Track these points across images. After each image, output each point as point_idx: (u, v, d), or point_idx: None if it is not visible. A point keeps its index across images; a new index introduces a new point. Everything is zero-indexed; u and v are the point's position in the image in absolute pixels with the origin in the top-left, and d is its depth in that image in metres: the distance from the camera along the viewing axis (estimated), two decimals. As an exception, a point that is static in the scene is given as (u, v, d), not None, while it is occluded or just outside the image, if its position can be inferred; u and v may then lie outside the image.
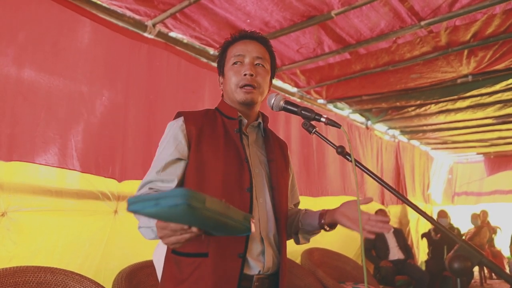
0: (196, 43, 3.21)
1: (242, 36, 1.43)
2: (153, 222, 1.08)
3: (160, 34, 2.92)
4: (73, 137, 2.28)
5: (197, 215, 0.86)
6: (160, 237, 0.99)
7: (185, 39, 3.14)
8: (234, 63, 1.37)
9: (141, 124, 2.66)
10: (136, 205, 0.86)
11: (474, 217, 7.53)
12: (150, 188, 1.25)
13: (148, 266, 2.37)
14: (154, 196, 0.84)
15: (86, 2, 2.49)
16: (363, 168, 1.17)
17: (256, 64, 1.38)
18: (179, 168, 1.29)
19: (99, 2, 2.57)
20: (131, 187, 2.52)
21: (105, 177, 2.43)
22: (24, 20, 2.13)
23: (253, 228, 1.02)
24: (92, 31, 2.45)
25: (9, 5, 2.08)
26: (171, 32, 3.03)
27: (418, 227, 7.07)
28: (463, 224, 7.61)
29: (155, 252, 1.59)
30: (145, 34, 2.84)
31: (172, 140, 1.30)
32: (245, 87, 1.34)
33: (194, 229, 0.93)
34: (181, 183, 1.31)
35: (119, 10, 2.68)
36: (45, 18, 2.23)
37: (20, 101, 2.08)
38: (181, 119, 1.35)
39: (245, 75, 1.34)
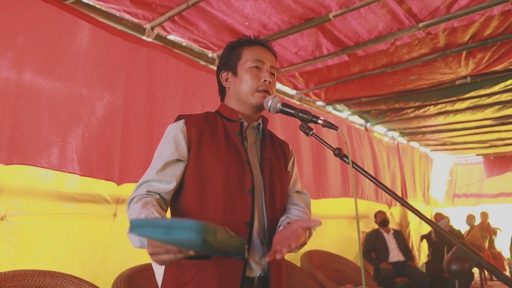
0: (195, 46, 3.22)
1: (260, 42, 1.46)
2: None
3: (158, 37, 2.93)
4: (73, 140, 2.28)
5: (205, 247, 0.89)
6: (150, 253, 0.98)
7: (184, 42, 3.15)
8: (254, 67, 1.39)
9: (140, 127, 2.66)
10: (142, 229, 0.88)
11: (470, 218, 7.55)
12: (148, 191, 1.25)
13: (147, 269, 2.37)
14: (165, 223, 0.86)
15: (84, 6, 2.50)
16: (360, 170, 1.17)
17: (271, 73, 1.41)
18: (178, 169, 1.29)
19: (97, 6, 2.58)
20: (130, 190, 2.49)
21: (104, 180, 2.43)
22: (23, 24, 2.13)
23: (246, 254, 1.09)
24: (91, 34, 2.45)
25: (8, 8, 2.08)
26: (170, 35, 3.03)
27: (420, 228, 7.07)
28: (463, 225, 7.61)
29: (154, 255, 1.58)
30: (144, 37, 2.84)
31: (172, 141, 1.30)
32: (263, 92, 1.37)
33: (191, 252, 0.96)
34: (180, 185, 1.31)
35: (117, 13, 2.69)
36: (44, 21, 2.23)
37: (20, 104, 2.08)
38: (182, 121, 1.35)
39: (265, 81, 1.37)
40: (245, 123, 1.40)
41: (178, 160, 1.29)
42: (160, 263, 0.99)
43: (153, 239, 0.91)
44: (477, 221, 7.91)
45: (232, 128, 1.37)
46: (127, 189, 2.50)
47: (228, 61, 1.45)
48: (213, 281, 1.19)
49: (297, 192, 1.50)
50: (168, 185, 1.27)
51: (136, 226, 0.88)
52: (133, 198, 1.25)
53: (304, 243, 1.17)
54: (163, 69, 2.87)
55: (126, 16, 2.73)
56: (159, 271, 1.36)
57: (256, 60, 1.39)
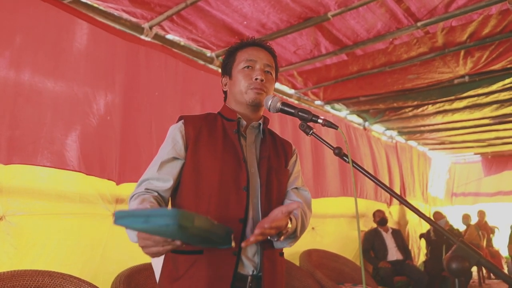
0: (193, 45, 3.22)
1: (252, 43, 1.48)
2: None
3: (157, 36, 2.92)
4: (71, 140, 2.28)
5: (185, 233, 0.92)
6: (141, 246, 1.02)
7: (182, 41, 3.15)
8: (246, 67, 1.41)
9: (139, 126, 2.66)
10: (124, 220, 0.90)
11: (465, 217, 7.59)
12: (146, 189, 1.29)
13: (146, 268, 2.37)
14: (145, 213, 0.89)
15: (83, 5, 2.50)
16: (360, 169, 1.17)
17: (266, 71, 1.42)
18: (175, 167, 1.33)
19: (95, 5, 2.57)
20: (130, 189, 2.49)
21: (103, 179, 2.42)
22: (22, 23, 2.13)
23: (233, 244, 1.12)
24: (90, 33, 2.45)
25: (7, 8, 2.08)
26: (168, 35, 3.03)
27: (420, 227, 7.09)
28: (461, 224, 7.63)
29: (154, 255, 1.59)
30: (142, 37, 2.84)
31: (170, 140, 1.35)
32: (255, 89, 1.38)
33: (177, 242, 0.99)
34: (177, 183, 1.34)
35: (115, 12, 2.68)
36: (43, 20, 2.22)
37: (19, 104, 2.08)
38: (181, 121, 1.40)
39: (256, 79, 1.38)
40: (243, 122, 1.42)
41: (175, 158, 1.33)
42: (151, 255, 1.02)
43: (135, 229, 0.94)
44: (474, 220, 7.94)
45: (231, 127, 1.39)
46: (126, 189, 2.50)
47: (226, 65, 1.50)
48: (204, 275, 1.21)
49: (296, 188, 1.51)
50: (165, 183, 1.31)
51: (118, 218, 0.90)
52: (132, 196, 1.29)
53: (283, 227, 1.18)
54: (162, 69, 2.87)
55: (125, 16, 2.73)
56: (157, 268, 1.39)
57: (247, 60, 1.41)
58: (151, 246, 0.99)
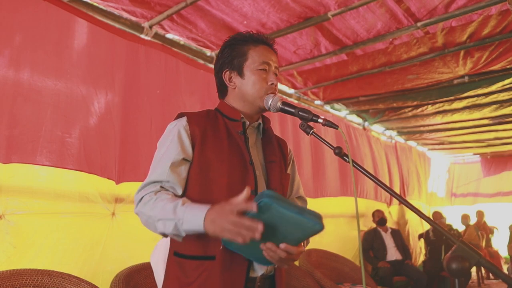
0: (193, 45, 3.22)
1: (265, 41, 1.44)
2: (179, 215, 1.08)
3: (157, 35, 2.92)
4: (70, 139, 2.28)
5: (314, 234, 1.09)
6: (229, 229, 1.00)
7: (182, 40, 3.14)
8: (262, 69, 1.37)
9: (139, 125, 2.65)
10: (281, 202, 1.02)
11: (464, 218, 7.59)
12: (162, 187, 1.23)
13: (145, 268, 2.37)
14: (297, 206, 1.05)
15: (82, 4, 2.49)
16: (360, 169, 1.17)
17: (275, 74, 1.40)
18: (184, 169, 1.27)
19: (95, 4, 2.57)
20: (129, 189, 2.52)
21: (102, 178, 2.42)
22: (21, 22, 2.12)
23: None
24: (89, 32, 2.44)
25: (6, 7, 2.07)
26: (168, 34, 3.02)
27: (421, 227, 7.08)
28: (460, 225, 7.64)
29: (153, 254, 1.58)
30: (142, 36, 2.84)
31: (177, 139, 1.27)
32: (270, 95, 1.36)
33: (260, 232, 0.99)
34: (184, 184, 1.29)
35: (115, 12, 2.68)
36: (43, 19, 2.22)
37: (18, 103, 2.08)
38: (184, 119, 1.32)
39: (272, 84, 1.36)
40: (247, 123, 1.39)
41: (185, 160, 1.27)
42: (232, 237, 1.00)
43: (284, 213, 1.02)
44: (473, 220, 7.95)
45: (234, 127, 1.35)
46: (126, 188, 2.50)
47: (233, 60, 1.39)
48: (217, 282, 1.18)
49: (300, 197, 1.52)
50: (177, 189, 1.25)
51: (273, 197, 1.01)
52: (145, 195, 1.21)
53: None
54: (161, 68, 2.86)
55: (125, 15, 2.72)
56: (158, 271, 1.35)
57: (263, 62, 1.37)
58: (243, 230, 0.99)
